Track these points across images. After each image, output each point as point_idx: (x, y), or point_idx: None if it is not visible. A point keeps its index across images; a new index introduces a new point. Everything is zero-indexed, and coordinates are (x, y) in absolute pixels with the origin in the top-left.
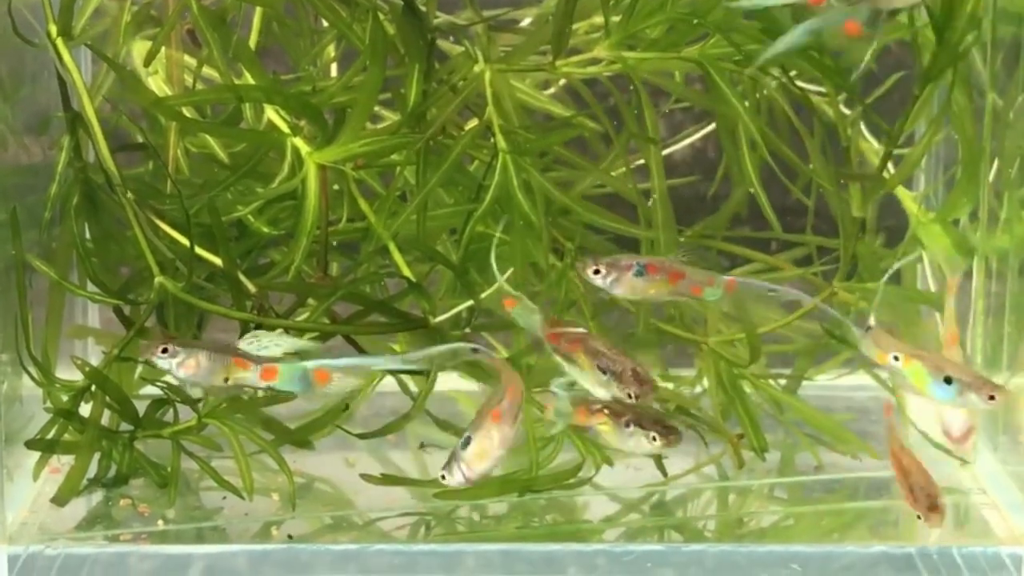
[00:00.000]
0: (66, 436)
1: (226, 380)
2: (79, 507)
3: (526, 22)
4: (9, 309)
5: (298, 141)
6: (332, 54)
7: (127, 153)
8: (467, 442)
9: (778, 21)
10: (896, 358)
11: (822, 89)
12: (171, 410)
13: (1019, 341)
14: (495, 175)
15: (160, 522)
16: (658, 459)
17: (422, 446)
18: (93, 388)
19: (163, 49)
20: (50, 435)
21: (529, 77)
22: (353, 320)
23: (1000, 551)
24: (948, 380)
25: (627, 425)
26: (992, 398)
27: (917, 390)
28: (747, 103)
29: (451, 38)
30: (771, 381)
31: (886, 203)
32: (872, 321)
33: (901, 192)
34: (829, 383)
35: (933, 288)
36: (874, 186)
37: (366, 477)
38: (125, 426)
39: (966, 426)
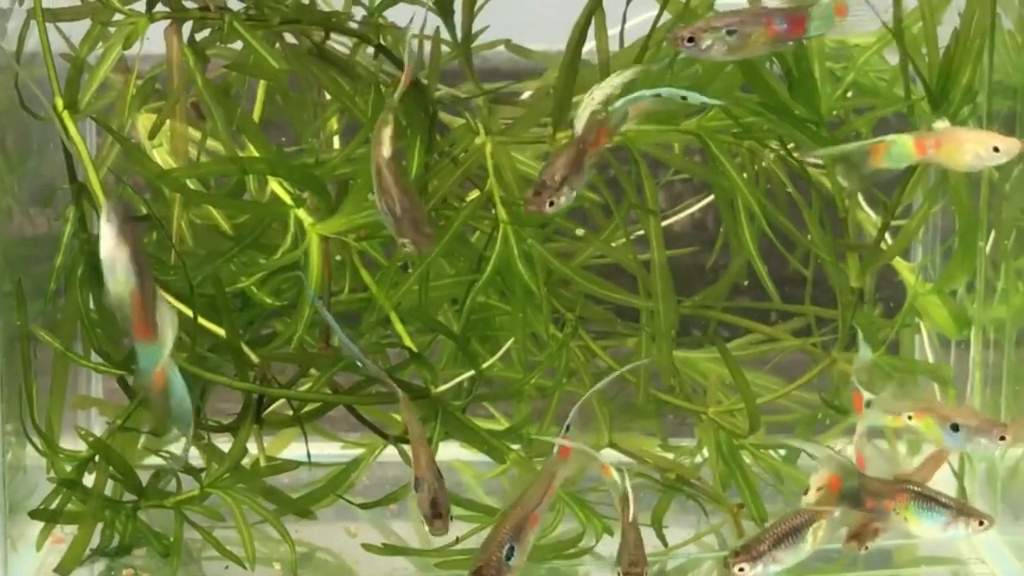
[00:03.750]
0: (69, 506)
1: None
2: None
3: (527, 95)
4: (14, 379)
5: (301, 213)
6: (335, 126)
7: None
8: (511, 553)
9: (776, 93)
10: (910, 417)
11: (820, 161)
12: (174, 480)
13: (1016, 411)
14: (496, 246)
15: None
16: (658, 528)
17: None
18: (97, 458)
19: (167, 122)
20: (54, 505)
21: (530, 149)
22: (355, 390)
23: None
24: (955, 427)
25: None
26: (1003, 439)
27: (934, 442)
28: (745, 175)
29: (453, 110)
30: (771, 451)
31: (884, 274)
32: (867, 396)
33: (899, 263)
34: None
35: (931, 358)
36: (872, 257)
37: (368, 547)
38: (128, 496)
39: None
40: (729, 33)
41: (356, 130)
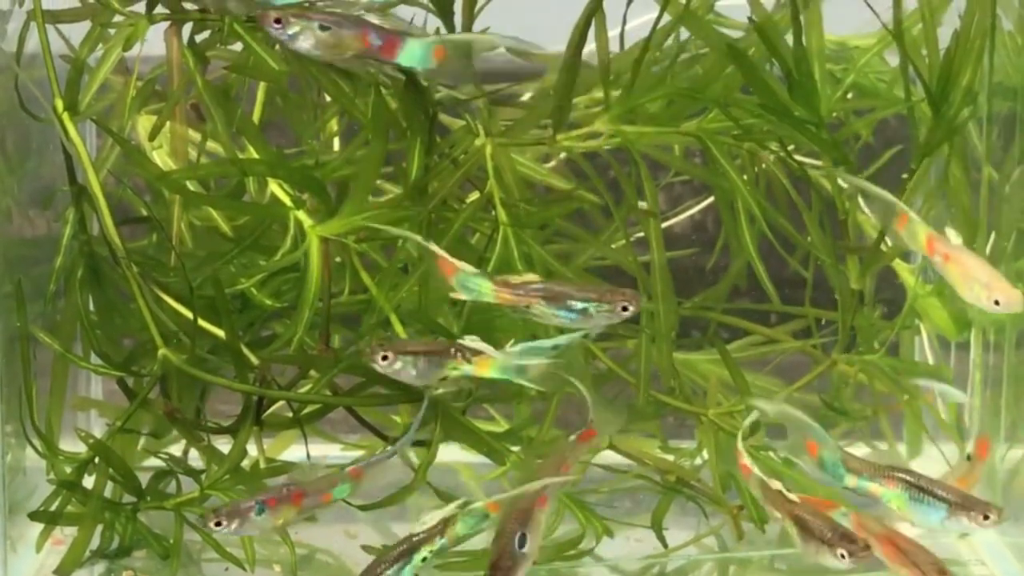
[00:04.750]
0: (69, 507)
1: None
2: None
3: (527, 96)
4: (13, 381)
5: (301, 214)
6: (335, 128)
7: (131, 226)
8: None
9: (776, 95)
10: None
11: (820, 163)
12: (174, 481)
13: (1016, 413)
14: (496, 248)
15: None
16: (659, 530)
17: None
18: (96, 460)
19: (167, 123)
20: (53, 506)
21: (530, 151)
22: (355, 392)
23: None
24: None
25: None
26: (987, 518)
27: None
28: (745, 176)
29: (452, 112)
30: (770, 453)
31: (884, 275)
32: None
33: (899, 265)
34: None
35: (931, 360)
36: (872, 259)
37: (368, 549)
38: (128, 497)
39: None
40: (322, 29)
41: (356, 131)
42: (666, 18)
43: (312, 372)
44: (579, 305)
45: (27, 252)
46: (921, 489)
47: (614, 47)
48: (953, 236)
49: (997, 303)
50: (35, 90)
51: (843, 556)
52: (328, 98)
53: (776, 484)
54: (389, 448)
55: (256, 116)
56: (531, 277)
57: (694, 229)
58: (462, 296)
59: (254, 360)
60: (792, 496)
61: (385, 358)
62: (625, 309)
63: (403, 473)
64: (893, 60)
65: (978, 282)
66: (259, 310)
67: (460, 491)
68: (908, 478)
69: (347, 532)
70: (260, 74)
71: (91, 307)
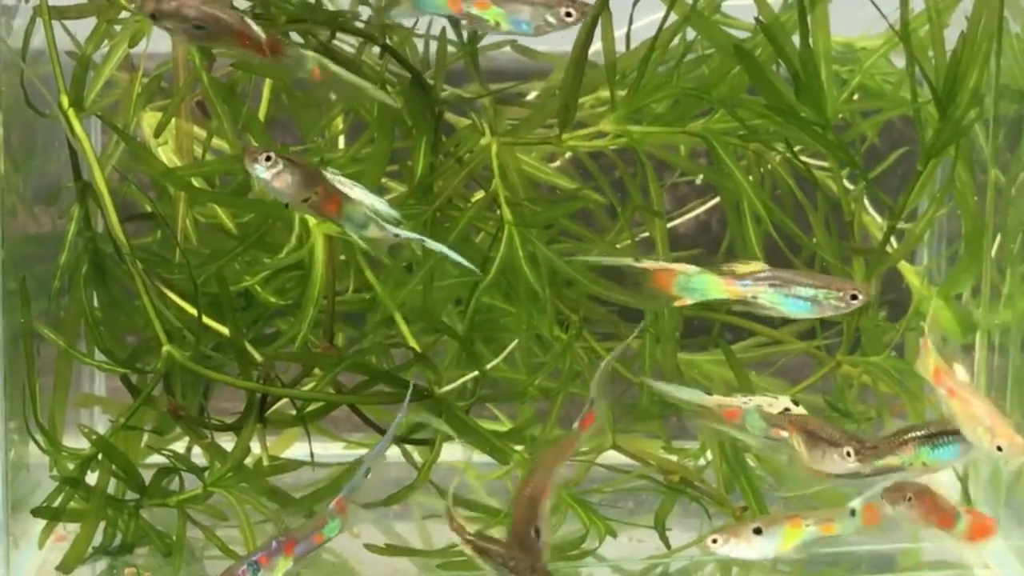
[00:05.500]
0: (72, 504)
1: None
2: (84, 575)
3: (532, 96)
4: (17, 377)
5: None
6: (340, 126)
7: (136, 223)
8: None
9: (782, 96)
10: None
11: (826, 164)
12: (177, 479)
13: (1021, 415)
14: (501, 247)
15: None
16: (661, 530)
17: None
18: (100, 456)
19: (173, 120)
20: (56, 503)
21: (535, 150)
22: (358, 390)
23: None
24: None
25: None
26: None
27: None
28: (751, 177)
29: (458, 111)
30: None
31: (889, 277)
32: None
33: (904, 267)
34: None
35: None
36: (877, 261)
37: (370, 547)
38: (131, 494)
39: None
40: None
41: (361, 129)
42: (672, 18)
43: (316, 370)
44: (808, 292)
45: (32, 249)
46: (934, 436)
47: (620, 47)
48: (961, 373)
49: (1000, 449)
50: (41, 86)
51: (849, 454)
52: (333, 96)
53: (779, 405)
54: (362, 468)
55: (262, 113)
56: (757, 266)
57: (699, 229)
58: (687, 300)
59: (258, 357)
60: (799, 411)
61: (269, 159)
62: (855, 298)
63: (404, 471)
64: (900, 61)
65: (981, 425)
66: (263, 307)
67: (463, 490)
68: (918, 434)
69: (350, 531)
70: (265, 71)
71: (95, 304)
